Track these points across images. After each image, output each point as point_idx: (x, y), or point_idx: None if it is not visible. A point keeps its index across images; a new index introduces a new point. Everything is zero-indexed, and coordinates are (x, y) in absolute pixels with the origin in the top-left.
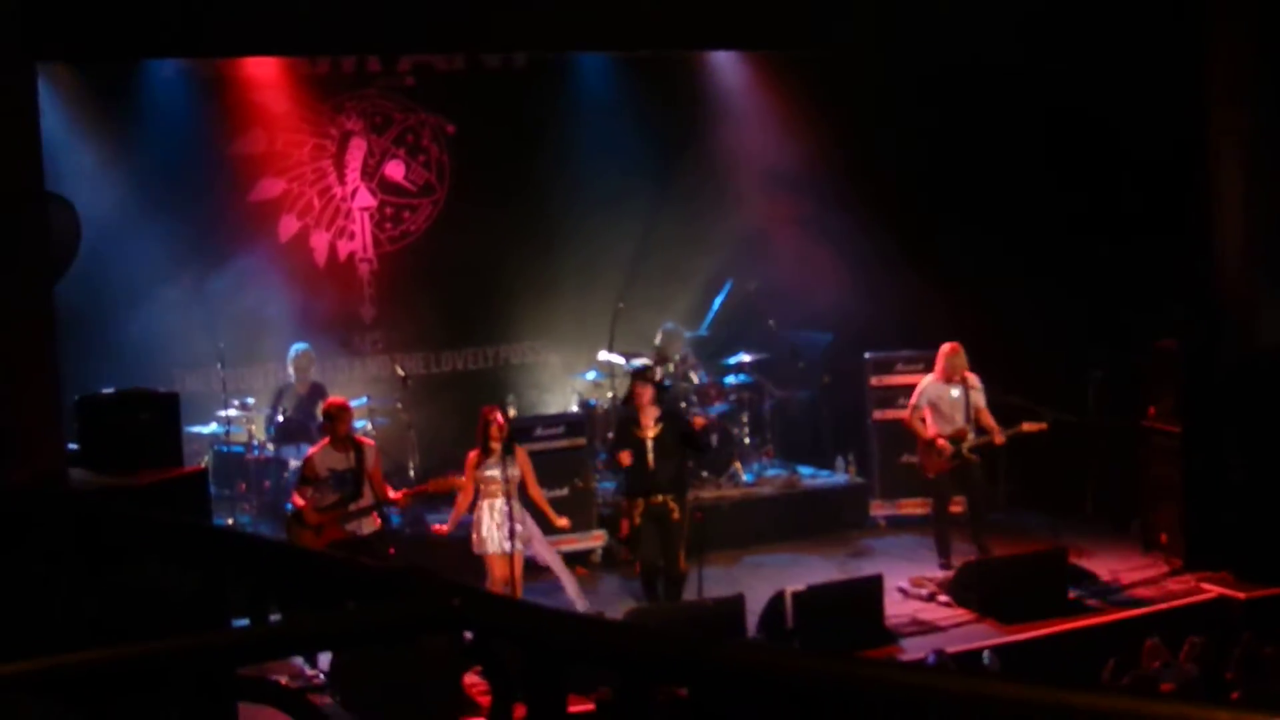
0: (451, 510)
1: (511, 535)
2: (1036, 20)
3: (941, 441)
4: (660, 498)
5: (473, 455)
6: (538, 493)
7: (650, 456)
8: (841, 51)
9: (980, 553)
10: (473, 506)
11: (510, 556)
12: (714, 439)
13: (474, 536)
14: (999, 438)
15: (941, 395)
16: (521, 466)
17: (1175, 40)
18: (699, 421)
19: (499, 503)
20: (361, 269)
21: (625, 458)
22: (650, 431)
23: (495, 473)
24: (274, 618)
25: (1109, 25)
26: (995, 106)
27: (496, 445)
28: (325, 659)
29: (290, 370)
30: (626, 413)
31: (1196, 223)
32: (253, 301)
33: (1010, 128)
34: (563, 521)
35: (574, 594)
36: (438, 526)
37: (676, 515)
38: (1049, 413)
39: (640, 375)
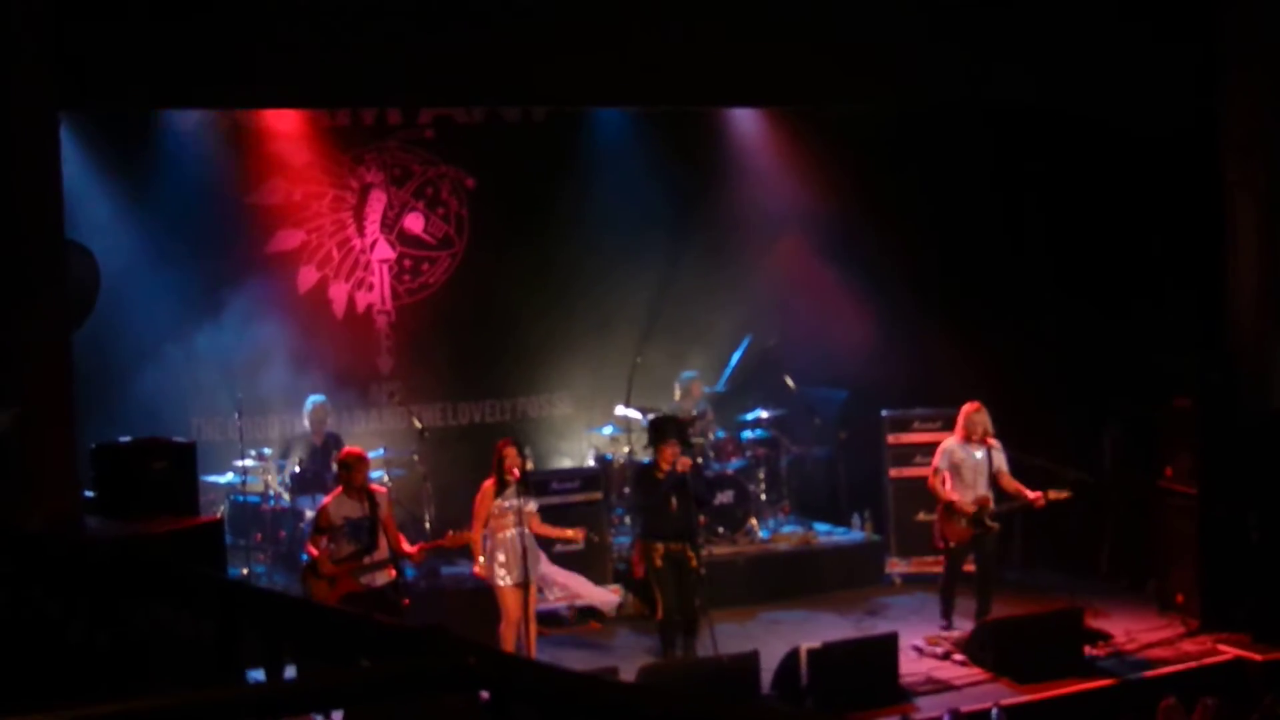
0: (473, 562)
1: (525, 566)
2: (1053, 70)
3: (964, 505)
4: (678, 544)
5: (488, 484)
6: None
7: (673, 501)
8: (858, 108)
9: (979, 616)
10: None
11: (524, 588)
12: (715, 490)
13: (487, 569)
14: (1040, 502)
15: (965, 458)
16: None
17: (1193, 94)
18: (685, 462)
19: (511, 534)
20: (380, 320)
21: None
22: (665, 475)
23: (509, 504)
24: (290, 672)
25: (1125, 77)
26: (1010, 161)
27: (511, 478)
28: (339, 714)
29: (306, 422)
30: (645, 465)
31: (1212, 280)
32: (270, 352)
33: (1025, 185)
34: (576, 534)
35: (598, 599)
36: (477, 569)
37: (694, 562)
38: (1071, 472)
39: (670, 426)
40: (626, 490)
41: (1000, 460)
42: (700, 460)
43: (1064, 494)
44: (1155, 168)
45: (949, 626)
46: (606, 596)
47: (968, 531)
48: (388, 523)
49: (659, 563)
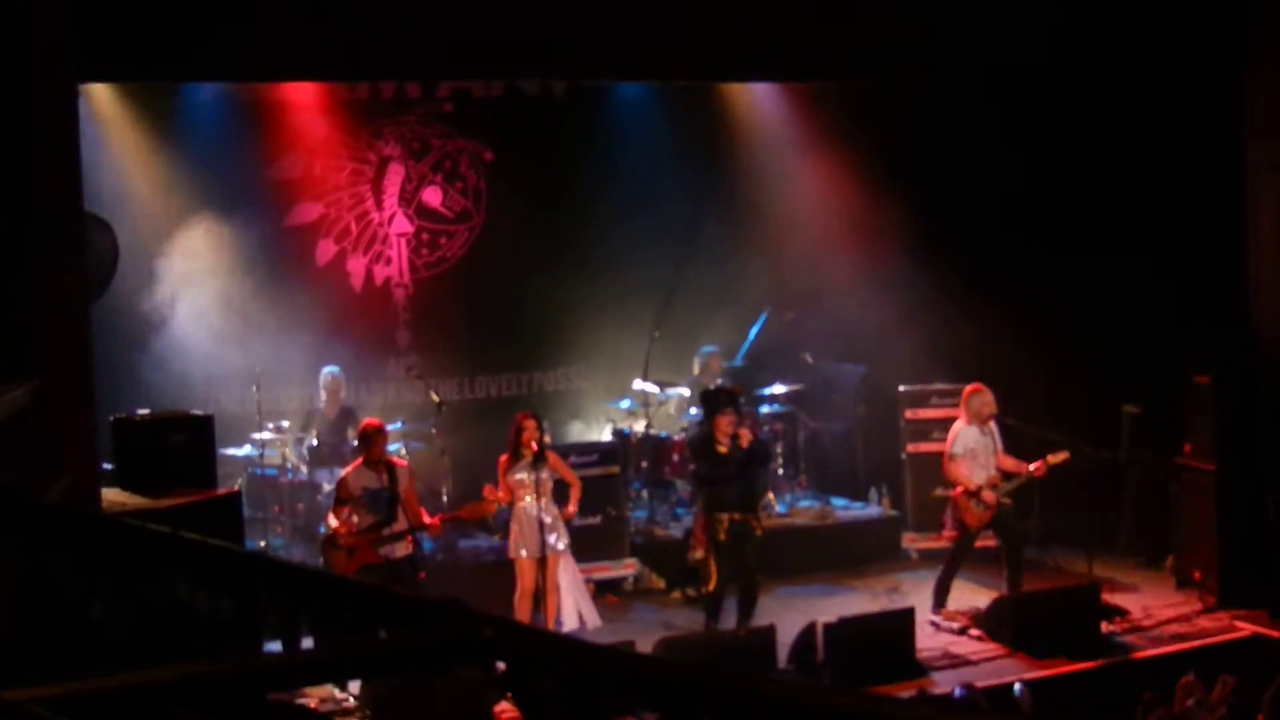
0: (489, 534)
1: (543, 539)
2: (1074, 51)
3: (988, 493)
4: (742, 514)
5: (503, 459)
6: (571, 475)
7: (736, 474)
8: (878, 83)
9: (1012, 590)
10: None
11: (541, 561)
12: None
13: (509, 541)
14: (1039, 471)
15: (979, 442)
16: (555, 466)
17: (1214, 73)
18: (747, 434)
19: (528, 505)
20: (397, 294)
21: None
22: (727, 450)
23: (524, 476)
24: (306, 643)
25: (1147, 56)
26: (1029, 139)
27: (527, 451)
28: (356, 683)
29: (321, 393)
30: (702, 433)
31: (1232, 257)
32: (288, 325)
33: (1044, 160)
34: (571, 508)
35: (568, 616)
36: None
37: (759, 533)
38: (1082, 446)
39: (723, 397)
40: (689, 463)
41: (998, 439)
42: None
43: (1061, 456)
44: (1177, 146)
45: (938, 611)
46: (590, 617)
47: (987, 515)
48: (408, 495)
49: (722, 536)
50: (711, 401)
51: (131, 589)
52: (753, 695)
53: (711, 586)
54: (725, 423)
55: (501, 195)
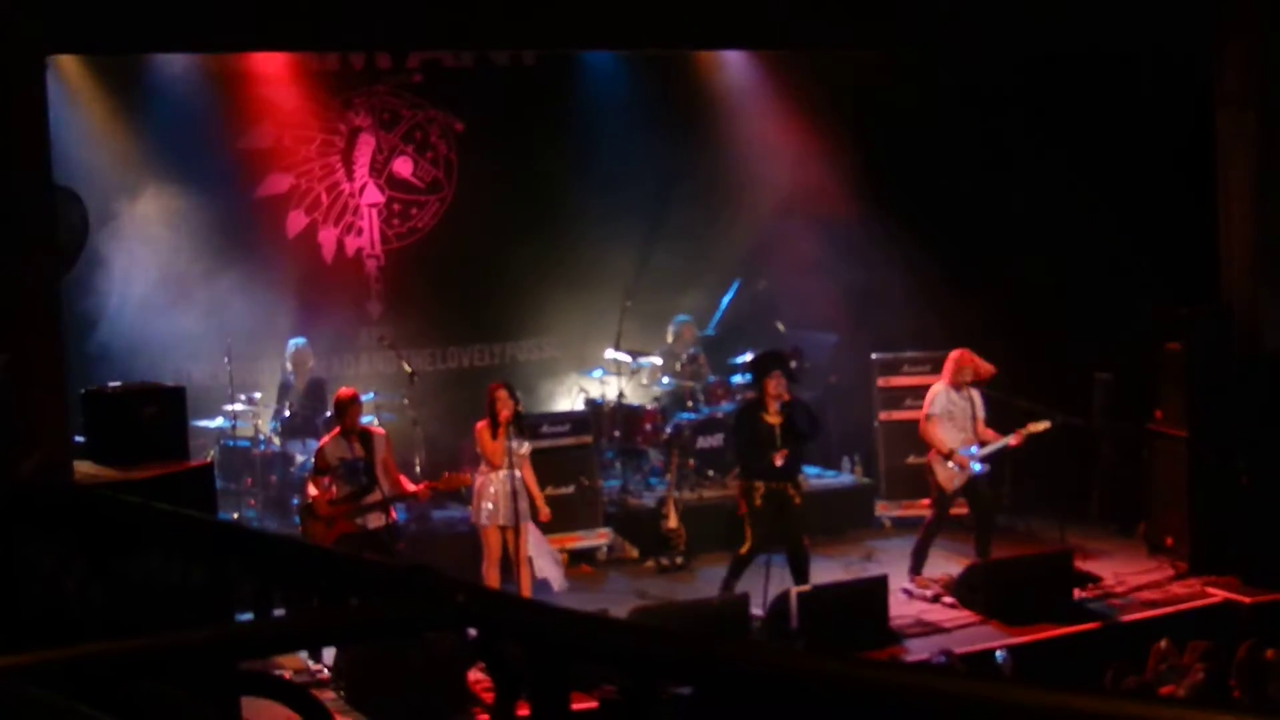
0: (464, 504)
1: (515, 508)
2: (1045, 19)
3: (960, 456)
4: (780, 483)
5: (480, 426)
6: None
7: (779, 443)
8: (850, 51)
9: (981, 558)
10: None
11: (512, 530)
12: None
13: (474, 509)
14: (1014, 440)
15: (956, 404)
16: (526, 478)
17: (1186, 42)
18: (784, 395)
19: (501, 475)
20: (369, 265)
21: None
22: (777, 419)
23: (499, 444)
24: (279, 613)
25: (1120, 26)
26: (1002, 107)
27: (503, 419)
28: (330, 653)
29: (289, 365)
30: (746, 402)
31: (1204, 225)
32: (259, 297)
33: (1018, 129)
34: (544, 514)
35: (556, 583)
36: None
37: (798, 501)
38: (1057, 415)
39: (771, 360)
40: (734, 429)
41: (980, 406)
42: (690, 402)
43: (1043, 425)
44: (1149, 114)
45: (915, 576)
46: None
47: (962, 478)
48: (388, 464)
49: (759, 502)
50: (761, 365)
51: (104, 561)
52: (725, 660)
53: (744, 550)
54: (774, 385)
55: (472, 165)
